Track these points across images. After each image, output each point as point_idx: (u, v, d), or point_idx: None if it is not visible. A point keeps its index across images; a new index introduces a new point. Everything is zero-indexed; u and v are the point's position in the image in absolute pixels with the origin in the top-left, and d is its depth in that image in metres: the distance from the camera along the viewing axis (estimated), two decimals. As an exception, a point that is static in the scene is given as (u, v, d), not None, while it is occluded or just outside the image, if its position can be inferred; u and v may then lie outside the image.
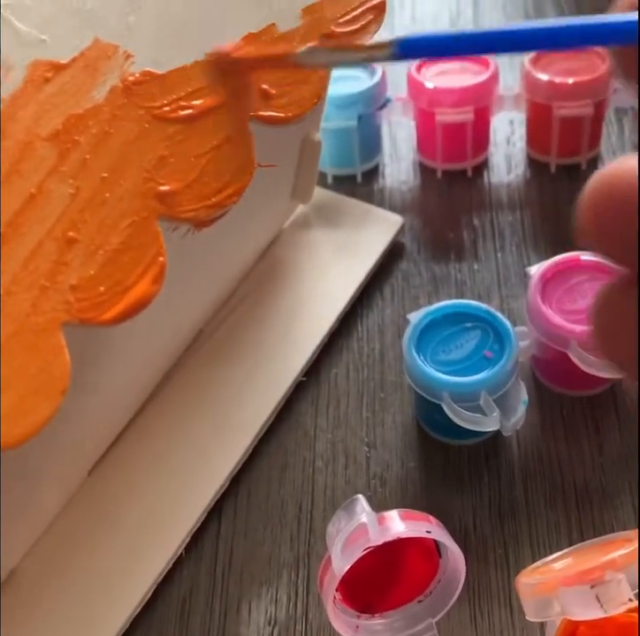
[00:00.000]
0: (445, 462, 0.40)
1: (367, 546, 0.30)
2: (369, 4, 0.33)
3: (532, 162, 0.52)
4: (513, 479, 0.40)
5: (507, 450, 0.41)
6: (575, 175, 0.51)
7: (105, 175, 0.24)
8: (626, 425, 0.41)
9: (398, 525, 0.31)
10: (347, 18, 0.32)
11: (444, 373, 0.38)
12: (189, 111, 0.26)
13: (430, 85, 0.48)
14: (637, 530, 0.31)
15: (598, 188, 0.16)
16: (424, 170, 0.53)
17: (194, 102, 0.26)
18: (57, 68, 0.24)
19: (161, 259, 0.24)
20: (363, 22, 0.32)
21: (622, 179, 0.15)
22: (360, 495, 0.32)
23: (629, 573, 0.28)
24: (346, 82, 0.49)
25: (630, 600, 0.28)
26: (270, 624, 0.37)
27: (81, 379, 0.26)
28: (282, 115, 0.28)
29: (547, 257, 0.42)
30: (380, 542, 0.30)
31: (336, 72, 0.49)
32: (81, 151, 0.24)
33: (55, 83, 0.24)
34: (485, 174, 0.52)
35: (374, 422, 0.42)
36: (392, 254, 0.48)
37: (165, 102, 0.26)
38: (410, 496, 0.39)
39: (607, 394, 0.42)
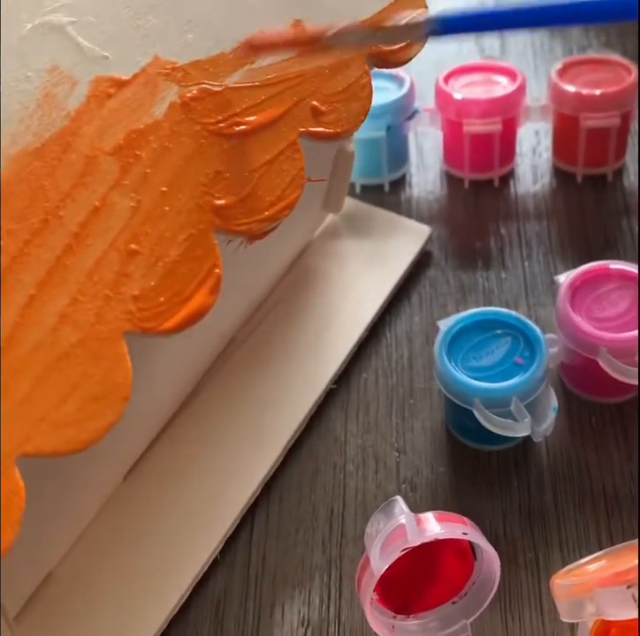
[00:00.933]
0: (475, 467, 0.41)
1: (405, 547, 0.30)
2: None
3: (558, 173, 0.53)
4: (542, 484, 0.40)
5: (537, 456, 0.41)
6: (601, 185, 0.52)
7: (165, 189, 0.25)
8: (654, 432, 0.41)
9: (434, 526, 0.31)
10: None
11: (475, 379, 0.39)
12: (243, 127, 0.27)
13: (458, 96, 0.49)
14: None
15: None
16: (451, 180, 0.53)
17: (248, 119, 0.27)
18: (119, 84, 0.25)
19: (217, 271, 0.25)
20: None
21: None
22: (398, 497, 0.32)
23: None
24: (375, 93, 0.50)
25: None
26: (303, 625, 0.37)
27: (135, 385, 0.27)
28: (332, 131, 0.29)
29: (574, 266, 0.43)
30: (418, 543, 0.31)
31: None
32: (142, 165, 0.25)
33: (117, 99, 0.25)
34: (512, 184, 0.53)
35: (403, 428, 0.43)
36: (420, 263, 0.49)
37: (221, 118, 0.27)
38: (441, 501, 0.40)
39: (636, 401, 0.42)
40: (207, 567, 0.38)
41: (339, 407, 0.44)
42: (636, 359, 0.39)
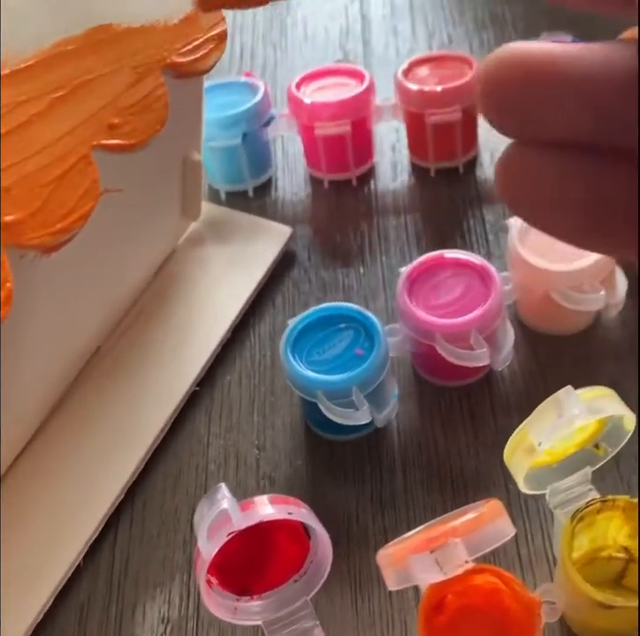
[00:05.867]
0: (330, 457, 0.42)
1: (231, 531, 0.31)
2: (210, 34, 0.35)
3: (415, 168, 0.55)
4: (393, 469, 0.42)
5: (388, 443, 0.43)
6: (455, 177, 0.53)
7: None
8: (500, 411, 0.43)
9: (264, 509, 0.32)
10: (188, 48, 0.34)
11: (319, 372, 0.40)
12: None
13: (308, 100, 0.51)
14: None
15: (506, 61, 0.15)
16: (314, 182, 0.55)
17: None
18: None
19: (8, 285, 0.26)
20: (205, 51, 0.35)
21: (531, 55, 0.15)
22: (222, 484, 0.33)
23: (467, 538, 0.30)
24: (228, 103, 0.51)
25: (466, 562, 0.30)
26: (163, 622, 0.38)
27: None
28: (126, 142, 0.30)
29: (427, 256, 0.44)
30: (243, 527, 0.31)
31: (217, 95, 0.52)
32: None
33: None
34: (372, 182, 0.54)
35: (265, 425, 0.44)
36: (284, 263, 0.51)
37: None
38: (297, 492, 0.41)
39: (482, 383, 0.44)
40: (70, 574, 0.39)
41: (202, 410, 0.45)
42: (471, 342, 0.41)
